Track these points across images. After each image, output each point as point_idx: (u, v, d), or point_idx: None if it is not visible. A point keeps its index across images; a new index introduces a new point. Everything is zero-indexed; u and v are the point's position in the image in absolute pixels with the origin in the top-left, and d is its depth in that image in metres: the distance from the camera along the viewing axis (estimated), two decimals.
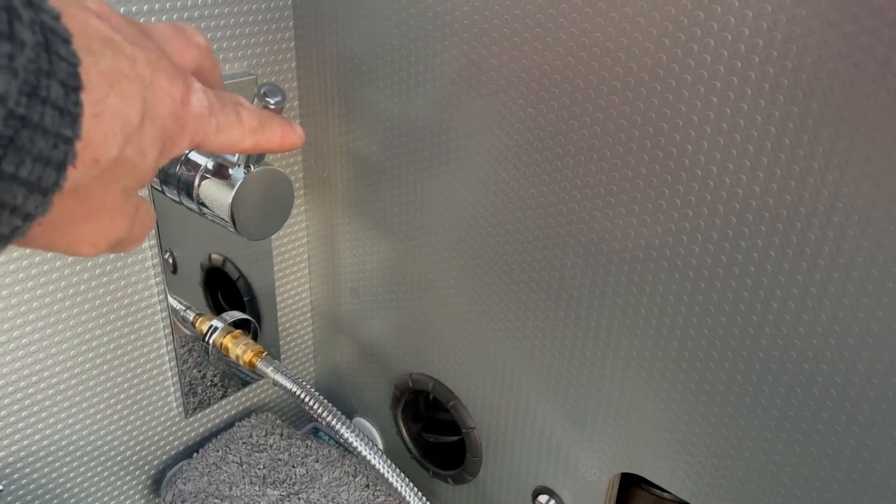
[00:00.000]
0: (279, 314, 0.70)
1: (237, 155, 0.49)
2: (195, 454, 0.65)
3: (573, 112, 0.44)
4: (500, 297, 0.53)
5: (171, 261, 0.63)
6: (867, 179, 0.34)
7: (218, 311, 0.68)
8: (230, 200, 0.49)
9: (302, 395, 0.58)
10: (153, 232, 0.56)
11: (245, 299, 0.71)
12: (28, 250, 0.49)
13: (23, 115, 0.20)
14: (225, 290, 0.70)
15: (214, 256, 0.68)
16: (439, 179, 0.54)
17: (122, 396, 0.59)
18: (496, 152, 0.49)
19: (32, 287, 0.50)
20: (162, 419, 0.63)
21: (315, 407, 0.57)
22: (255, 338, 0.73)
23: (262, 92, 0.44)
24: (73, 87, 0.22)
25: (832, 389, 0.39)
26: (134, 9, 0.48)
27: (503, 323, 0.54)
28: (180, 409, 0.64)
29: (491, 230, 0.52)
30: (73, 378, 0.55)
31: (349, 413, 0.74)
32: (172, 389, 0.63)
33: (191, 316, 0.64)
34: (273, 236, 0.66)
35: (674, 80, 0.39)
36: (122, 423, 0.60)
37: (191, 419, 0.66)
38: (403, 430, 0.67)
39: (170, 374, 0.63)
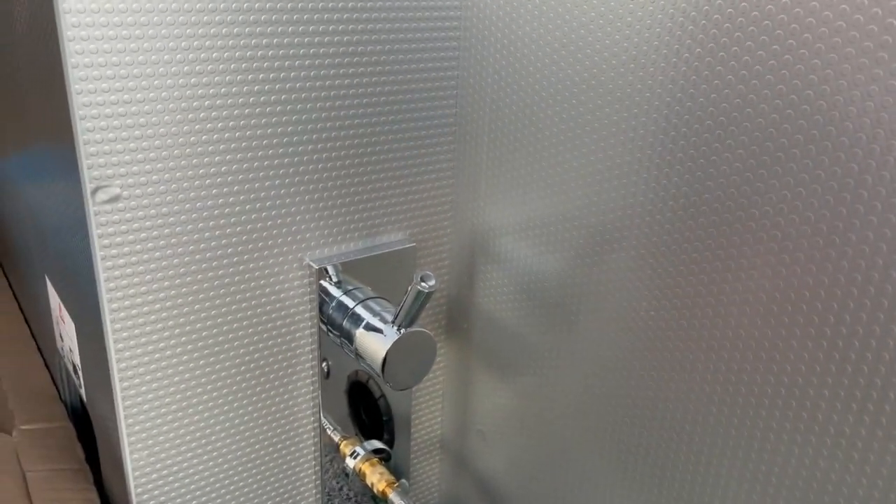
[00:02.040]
0: (412, 443, 0.77)
1: (393, 316, 0.58)
2: None
3: (698, 299, 0.48)
4: (627, 466, 0.57)
5: (325, 368, 0.72)
6: None
7: (357, 420, 0.76)
8: (383, 356, 0.57)
9: None
10: (315, 348, 0.65)
11: (384, 418, 0.79)
12: (191, 346, 0.60)
13: None
14: (367, 404, 0.78)
15: (361, 372, 0.76)
16: (569, 337, 0.59)
17: (258, 491, 0.68)
18: (629, 319, 0.53)
19: (196, 377, 0.59)
20: None
21: None
22: (389, 457, 0.80)
23: (419, 278, 0.53)
24: None
25: None
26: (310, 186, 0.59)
27: (628, 492, 0.57)
28: None
29: (617, 395, 0.56)
30: (219, 485, 0.64)
31: None
32: (313, 501, 0.71)
33: (337, 437, 0.72)
34: None
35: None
36: None
37: None
38: None
39: (313, 489, 0.71)
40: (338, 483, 0.75)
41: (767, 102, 0.41)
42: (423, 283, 0.53)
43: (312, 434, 0.69)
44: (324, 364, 0.70)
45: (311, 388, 0.67)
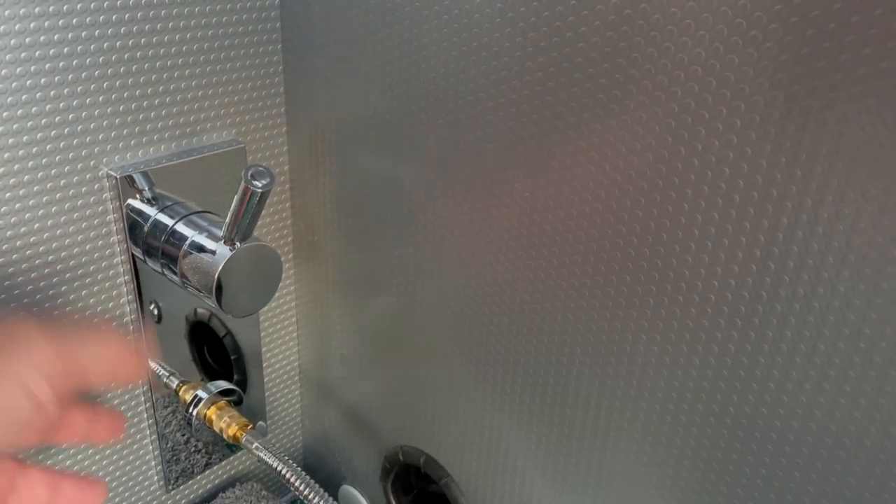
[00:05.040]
0: (265, 378, 0.68)
1: (224, 230, 0.47)
2: None
3: (570, 201, 0.42)
4: (495, 371, 0.52)
5: (155, 311, 0.61)
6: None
7: (203, 366, 0.66)
8: (215, 279, 0.47)
9: (287, 475, 0.55)
10: (133, 290, 0.54)
11: (232, 357, 0.69)
12: None
13: None
14: (211, 345, 0.68)
15: (200, 310, 0.65)
16: (432, 246, 0.52)
17: (93, 469, 0.57)
18: (491, 225, 0.47)
19: None
20: (142, 493, 0.61)
21: (301, 487, 0.55)
22: (241, 400, 0.71)
23: (249, 175, 0.43)
24: None
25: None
26: (119, 70, 0.46)
27: (500, 399, 0.52)
28: (161, 481, 0.62)
29: (486, 302, 0.50)
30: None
31: (337, 481, 0.72)
32: (153, 462, 0.61)
33: (174, 383, 0.62)
34: None
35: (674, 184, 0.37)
36: None
37: (173, 492, 0.63)
38: (393, 503, 0.65)
39: (149, 444, 0.60)
40: (183, 436, 0.65)
41: None
42: (254, 182, 0.43)
43: (141, 385, 0.58)
44: (152, 306, 0.59)
45: (133, 329, 0.55)
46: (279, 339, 0.67)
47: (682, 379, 0.41)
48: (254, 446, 0.57)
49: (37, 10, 0.41)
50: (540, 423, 0.50)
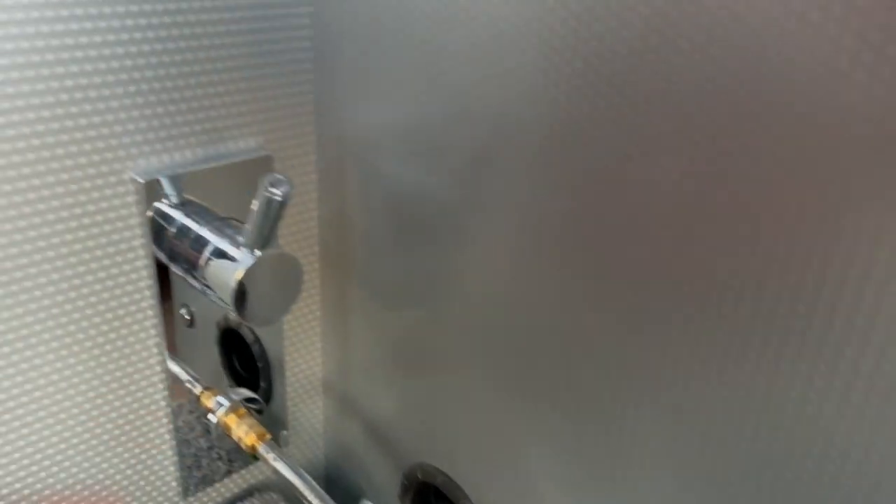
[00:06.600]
0: (288, 387, 0.68)
1: (244, 237, 0.47)
2: None
3: (600, 210, 0.40)
4: (520, 391, 0.50)
5: (188, 316, 0.61)
6: None
7: (232, 372, 0.66)
8: (234, 286, 0.47)
9: (301, 488, 0.54)
10: (156, 294, 0.54)
11: (259, 365, 0.69)
12: (18, 322, 0.47)
13: None
14: (240, 351, 0.68)
15: (231, 316, 0.65)
16: (457, 259, 0.50)
17: (111, 472, 0.57)
18: (516, 237, 0.46)
19: (29, 340, 0.49)
20: (159, 498, 0.60)
21: (315, 502, 0.54)
22: (262, 409, 0.70)
23: (268, 184, 0.42)
24: None
25: None
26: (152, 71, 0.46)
27: (522, 420, 0.50)
28: (179, 488, 0.62)
29: (512, 317, 0.48)
30: (63, 458, 0.53)
31: (357, 495, 0.70)
32: (172, 468, 0.61)
33: (197, 388, 0.62)
34: None
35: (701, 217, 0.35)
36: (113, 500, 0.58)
37: (190, 499, 0.63)
38: None
39: (168, 450, 0.60)
40: (206, 442, 0.65)
41: None
42: (273, 190, 0.42)
43: (161, 389, 0.58)
44: (183, 311, 0.59)
45: (154, 333, 0.55)
46: (303, 349, 0.67)
47: (717, 407, 0.38)
48: (270, 457, 0.56)
49: (65, 12, 0.41)
50: (565, 446, 0.48)
